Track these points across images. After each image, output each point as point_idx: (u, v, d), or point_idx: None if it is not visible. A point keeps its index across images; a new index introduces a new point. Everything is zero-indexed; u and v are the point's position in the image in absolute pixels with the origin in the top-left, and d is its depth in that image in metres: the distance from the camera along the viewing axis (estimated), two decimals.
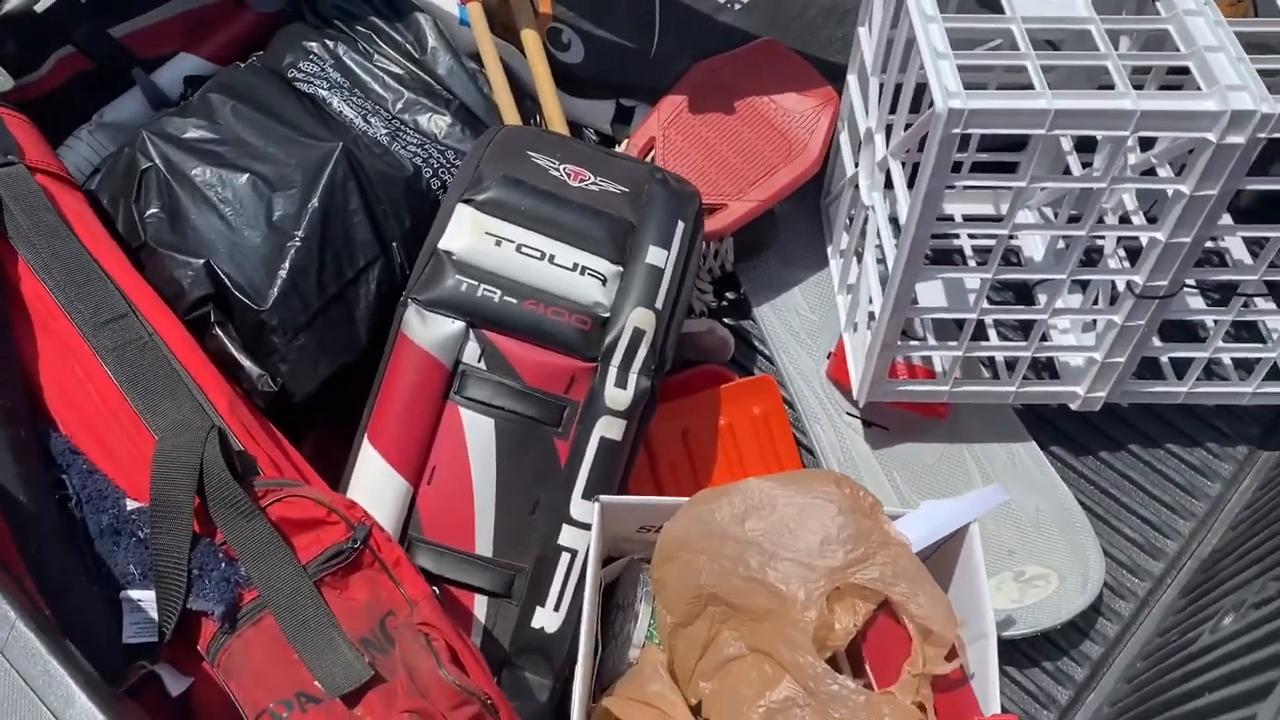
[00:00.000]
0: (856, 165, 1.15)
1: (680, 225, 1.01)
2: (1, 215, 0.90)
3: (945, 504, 0.89)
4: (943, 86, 0.85)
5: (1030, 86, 0.86)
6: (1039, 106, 0.84)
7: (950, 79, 0.86)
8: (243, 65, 1.17)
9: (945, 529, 0.88)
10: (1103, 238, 1.20)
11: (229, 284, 0.97)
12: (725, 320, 1.27)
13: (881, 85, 1.07)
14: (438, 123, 1.12)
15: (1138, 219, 1.12)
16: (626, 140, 1.27)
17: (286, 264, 0.98)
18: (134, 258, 1.00)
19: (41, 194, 0.94)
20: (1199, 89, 0.87)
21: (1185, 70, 0.89)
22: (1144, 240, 0.96)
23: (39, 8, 1.09)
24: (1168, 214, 0.93)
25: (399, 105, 1.13)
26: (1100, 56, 0.89)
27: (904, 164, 1.03)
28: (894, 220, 1.06)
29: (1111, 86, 0.86)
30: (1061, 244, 1.25)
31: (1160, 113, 0.85)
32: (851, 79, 1.16)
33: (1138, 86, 0.87)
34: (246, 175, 1.01)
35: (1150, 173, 1.08)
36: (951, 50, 0.88)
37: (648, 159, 1.22)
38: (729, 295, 1.30)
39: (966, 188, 1.29)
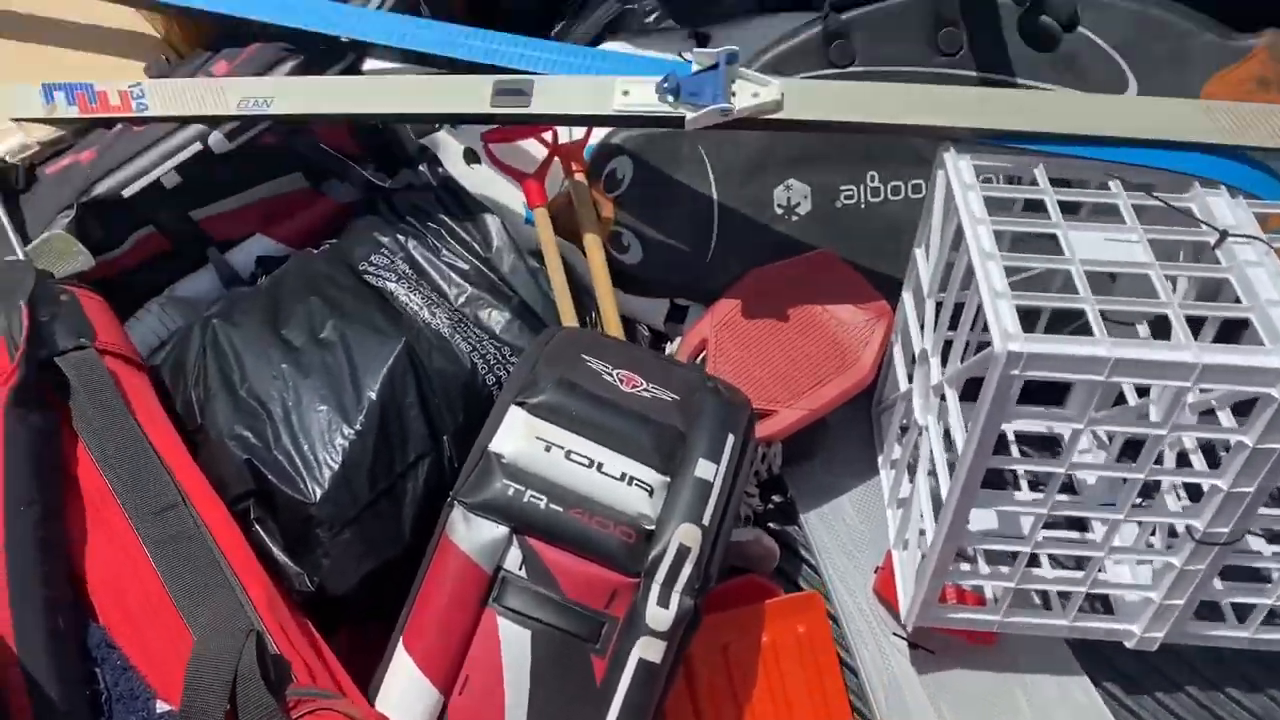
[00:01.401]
0: (910, 381, 1.15)
1: (730, 438, 1.01)
2: (69, 400, 0.92)
3: None
4: (1002, 328, 0.85)
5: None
6: (1099, 354, 0.84)
7: (1009, 320, 0.86)
8: (316, 251, 1.22)
9: None
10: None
11: (275, 479, 0.97)
12: (770, 525, 1.25)
13: (939, 306, 1.08)
14: (497, 318, 1.15)
15: (1197, 458, 1.10)
16: (679, 338, 1.28)
17: (340, 457, 0.99)
18: (190, 439, 1.02)
19: (109, 379, 0.96)
20: (1261, 342, 0.86)
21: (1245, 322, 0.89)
22: (1205, 486, 0.94)
23: (127, 193, 1.15)
24: (1230, 463, 0.91)
25: (462, 299, 1.16)
26: (1160, 304, 0.89)
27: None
28: (947, 433, 1.05)
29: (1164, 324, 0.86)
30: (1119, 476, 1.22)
31: (1222, 366, 0.84)
32: (907, 296, 1.18)
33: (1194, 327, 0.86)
34: (306, 366, 1.03)
35: (1210, 413, 1.06)
36: (1011, 290, 0.89)
37: (698, 359, 1.23)
38: (775, 499, 1.28)
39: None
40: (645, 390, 1.03)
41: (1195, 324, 0.93)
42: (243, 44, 1.22)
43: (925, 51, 1.23)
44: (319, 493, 0.98)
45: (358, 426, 1.00)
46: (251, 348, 1.05)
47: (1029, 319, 0.94)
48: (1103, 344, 0.85)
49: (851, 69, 1.24)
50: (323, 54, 1.21)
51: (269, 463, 0.99)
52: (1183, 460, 1.12)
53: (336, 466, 0.98)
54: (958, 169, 1.02)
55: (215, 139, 1.17)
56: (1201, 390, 1.07)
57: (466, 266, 1.18)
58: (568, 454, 0.96)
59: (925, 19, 1.23)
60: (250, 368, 1.04)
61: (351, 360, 1.04)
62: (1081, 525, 1.22)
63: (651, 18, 1.36)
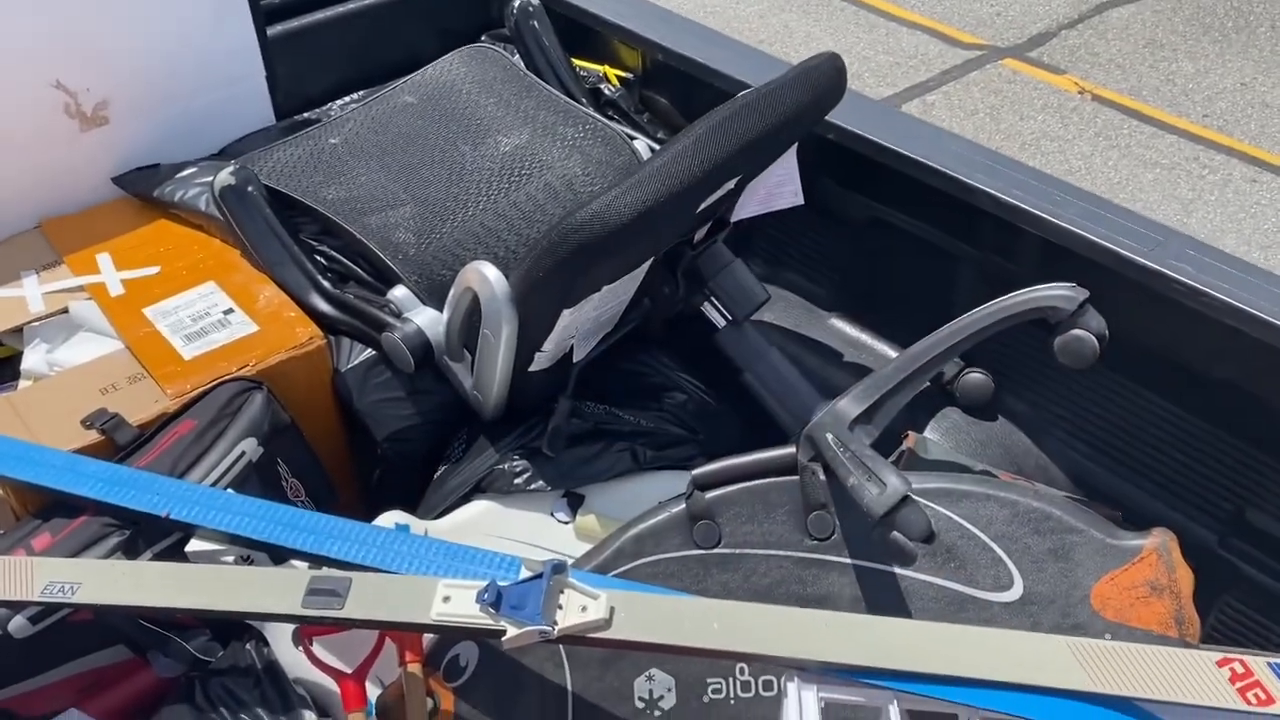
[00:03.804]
0: None
1: None
2: None
3: None
4: None
5: None
6: None
7: None
8: None
9: None
10: None
11: None
12: None
13: None
14: None
15: None
16: None
17: None
18: None
19: None
20: None
21: None
22: None
23: None
24: None
25: None
26: None
27: None
28: None
29: None
30: None
31: None
32: None
33: None
34: None
35: None
36: None
37: None
38: None
39: None
40: None
41: None
42: (72, 515, 1.16)
43: (795, 535, 1.16)
44: None
45: None
46: None
47: None
48: None
49: (717, 550, 1.16)
50: (150, 530, 1.14)
51: None
52: None
53: None
54: (801, 705, 0.91)
55: (17, 624, 1.08)
56: None
57: None
58: None
59: (795, 501, 1.16)
60: None
61: None
62: None
63: (521, 479, 1.31)
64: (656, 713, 1.15)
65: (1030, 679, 0.91)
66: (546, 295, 1.16)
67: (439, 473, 1.41)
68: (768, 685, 1.15)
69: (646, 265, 1.25)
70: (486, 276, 1.18)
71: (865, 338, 1.62)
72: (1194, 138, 3.76)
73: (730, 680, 1.15)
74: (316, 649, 1.11)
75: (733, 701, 1.14)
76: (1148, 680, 0.90)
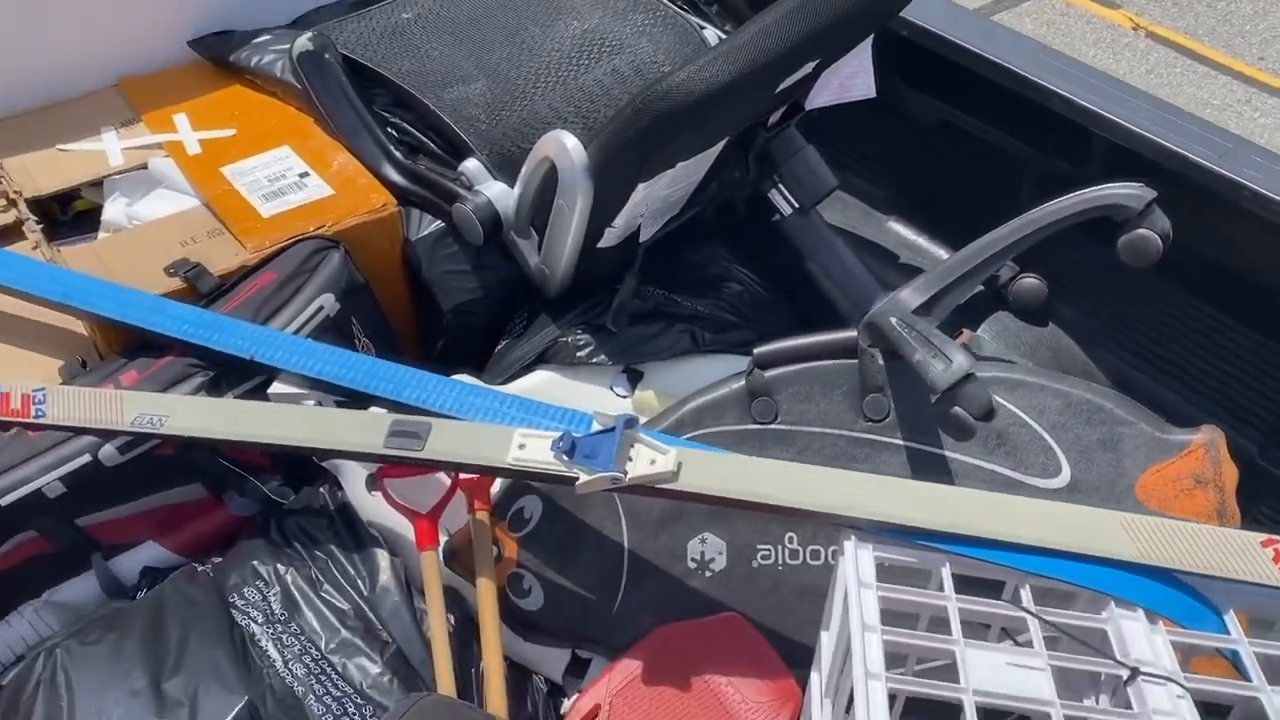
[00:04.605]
0: None
1: None
2: None
3: None
4: None
5: None
6: None
7: None
8: (198, 570, 1.15)
9: None
10: None
11: None
12: None
13: (837, 693, 0.98)
14: (366, 669, 1.06)
15: None
16: (575, 697, 1.18)
17: None
18: None
19: None
20: None
21: None
22: None
23: (4, 501, 1.10)
24: None
25: (332, 645, 1.08)
26: None
27: None
28: None
29: None
30: None
31: None
32: (814, 678, 1.08)
33: None
34: (138, 715, 0.95)
35: None
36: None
37: None
38: None
39: None
40: None
41: None
42: (158, 354, 1.21)
43: (850, 416, 1.20)
44: None
45: None
46: (86, 693, 0.97)
47: None
48: None
49: (773, 426, 1.20)
50: (233, 372, 1.19)
51: None
52: None
53: None
54: (858, 561, 0.95)
55: (107, 452, 1.13)
56: None
57: (345, 606, 1.11)
58: None
59: (852, 383, 1.20)
60: (76, 717, 0.95)
61: (187, 716, 0.95)
62: None
63: (584, 352, 1.35)
64: (707, 573, 1.20)
65: (1081, 547, 0.95)
66: (623, 167, 1.19)
67: (500, 346, 1.45)
68: (815, 554, 1.20)
69: (721, 145, 1.27)
70: (566, 145, 1.20)
71: (922, 241, 1.64)
72: (1248, 80, 3.71)
73: (779, 547, 1.20)
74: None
75: (780, 567, 1.20)
76: (1194, 554, 0.94)
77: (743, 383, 1.21)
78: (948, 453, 1.18)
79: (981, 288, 1.42)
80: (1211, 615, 0.93)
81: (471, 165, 1.40)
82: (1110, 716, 0.85)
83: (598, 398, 1.36)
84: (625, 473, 1.01)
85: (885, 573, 0.96)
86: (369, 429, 1.07)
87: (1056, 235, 1.25)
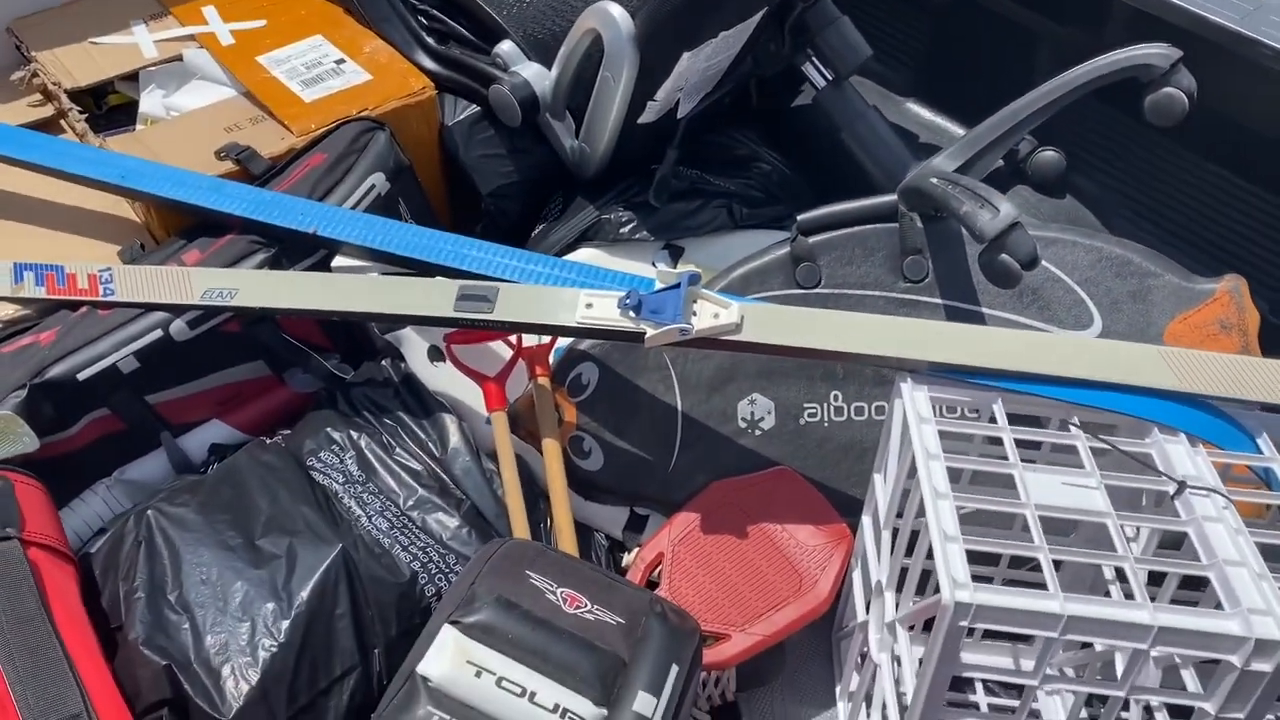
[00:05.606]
0: (868, 611, 1.11)
1: (674, 669, 0.96)
2: None
3: None
4: (950, 576, 0.82)
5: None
6: (1052, 610, 0.81)
7: (959, 568, 0.83)
8: (268, 442, 1.19)
9: None
10: None
11: (191, 690, 0.92)
12: None
13: (895, 535, 1.05)
14: (445, 524, 1.11)
15: (1162, 716, 1.05)
16: (637, 549, 1.24)
17: (259, 669, 0.94)
18: (110, 637, 0.98)
19: (29, 574, 0.92)
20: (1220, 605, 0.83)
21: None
22: None
23: (82, 377, 1.14)
24: None
25: (410, 502, 1.13)
26: (1118, 558, 0.86)
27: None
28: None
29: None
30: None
31: (1180, 630, 0.81)
32: (866, 520, 1.15)
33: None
34: (238, 570, 1.00)
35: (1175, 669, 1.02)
36: (962, 533, 0.86)
37: (655, 573, 1.19)
38: None
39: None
40: (589, 612, 0.99)
41: (1159, 575, 0.90)
42: (217, 234, 1.23)
43: (890, 277, 1.25)
44: (235, 709, 0.92)
45: (281, 639, 0.95)
46: (185, 547, 1.02)
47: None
48: (1055, 599, 0.81)
49: (817, 290, 1.25)
50: (294, 248, 1.22)
51: (187, 673, 0.94)
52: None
53: (255, 681, 0.93)
54: (914, 401, 1.01)
55: (177, 327, 1.16)
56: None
57: (418, 467, 1.15)
58: (499, 681, 0.91)
59: (891, 246, 1.25)
60: (179, 569, 1.00)
61: (284, 567, 1.00)
62: None
63: (626, 228, 1.39)
64: (757, 432, 1.26)
65: (1124, 379, 1.01)
66: (669, 35, 1.21)
67: (538, 229, 1.48)
68: (859, 410, 1.26)
69: (759, 16, 1.29)
70: (613, 14, 1.22)
71: (942, 121, 1.68)
72: None
73: (825, 405, 1.26)
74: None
75: (826, 424, 1.25)
76: (1229, 382, 1.00)
77: (787, 249, 1.26)
78: (984, 309, 1.24)
79: (1001, 163, 1.46)
80: (1247, 439, 1.00)
81: (506, 47, 1.42)
82: (1162, 522, 0.92)
83: (641, 273, 1.40)
84: (691, 325, 1.05)
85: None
86: (439, 294, 1.11)
87: (1075, 107, 1.29)
